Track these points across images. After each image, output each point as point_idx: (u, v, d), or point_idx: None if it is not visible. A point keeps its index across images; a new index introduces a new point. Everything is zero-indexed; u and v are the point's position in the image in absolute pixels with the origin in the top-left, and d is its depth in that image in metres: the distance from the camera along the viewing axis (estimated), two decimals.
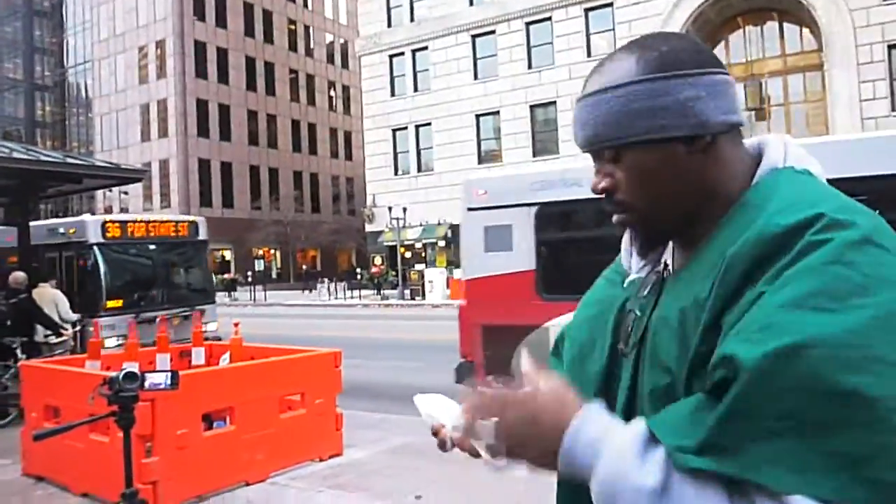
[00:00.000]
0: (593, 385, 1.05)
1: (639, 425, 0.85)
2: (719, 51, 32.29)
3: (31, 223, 10.20)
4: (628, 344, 1.02)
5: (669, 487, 0.79)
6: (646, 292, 1.04)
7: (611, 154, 0.98)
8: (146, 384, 2.53)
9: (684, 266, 0.98)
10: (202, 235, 12.26)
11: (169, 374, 2.58)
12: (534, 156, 34.25)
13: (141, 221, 11.67)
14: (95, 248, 10.76)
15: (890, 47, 25.33)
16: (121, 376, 2.47)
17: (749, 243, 0.85)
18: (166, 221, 12.06)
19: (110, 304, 10.64)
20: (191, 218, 12.67)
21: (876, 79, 25.47)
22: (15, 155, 9.07)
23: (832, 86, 26.50)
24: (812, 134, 25.52)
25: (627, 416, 0.95)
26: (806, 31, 29.17)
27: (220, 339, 9.61)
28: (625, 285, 1.11)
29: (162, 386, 2.54)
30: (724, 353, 0.79)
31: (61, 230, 11.29)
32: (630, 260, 1.11)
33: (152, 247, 11.63)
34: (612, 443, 0.84)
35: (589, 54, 32.63)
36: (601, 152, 1.00)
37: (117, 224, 11.24)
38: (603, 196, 1.01)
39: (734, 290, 0.84)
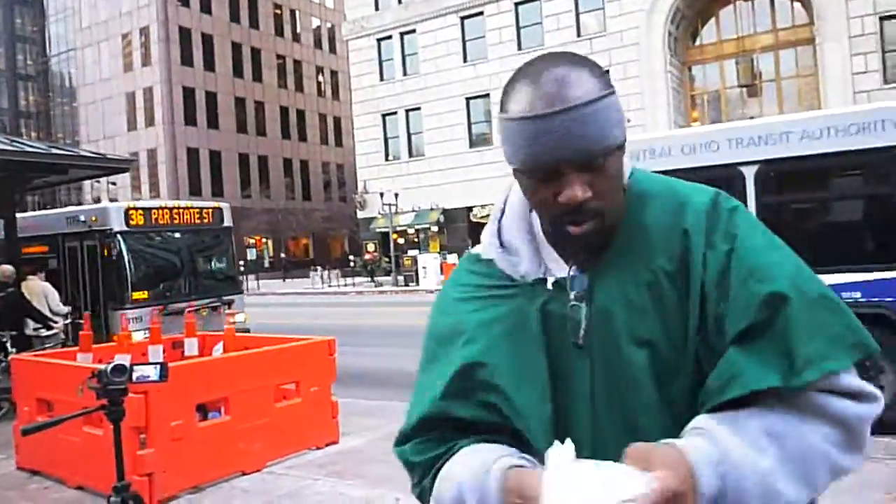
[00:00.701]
0: (545, 393, 1.08)
1: (722, 428, 0.95)
2: (710, 27, 32.17)
3: (50, 211, 10.01)
4: (579, 336, 1.08)
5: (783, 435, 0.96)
6: (581, 287, 1.09)
7: (599, 163, 1.03)
8: (135, 376, 2.46)
9: (606, 257, 1.09)
10: (227, 222, 11.85)
11: (158, 366, 2.51)
12: None
13: (165, 208, 11.22)
14: (119, 236, 10.29)
15: (882, 19, 25.24)
16: (109, 369, 2.40)
17: (697, 216, 1.07)
18: (191, 208, 11.59)
19: (136, 295, 10.20)
20: (215, 204, 12.20)
21: (868, 52, 25.40)
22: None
23: (824, 60, 26.43)
24: (804, 109, 25.47)
25: (595, 402, 1.06)
26: (798, 4, 29.04)
27: (248, 331, 9.40)
28: (536, 288, 1.12)
29: (151, 378, 2.47)
30: (772, 292, 1.00)
31: (82, 218, 10.82)
32: (525, 267, 1.13)
33: (177, 235, 11.20)
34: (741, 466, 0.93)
35: (579, 34, 32.44)
36: (588, 163, 1.02)
37: (141, 211, 10.77)
38: (568, 208, 1.03)
39: (702, 254, 1.05)
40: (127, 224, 10.40)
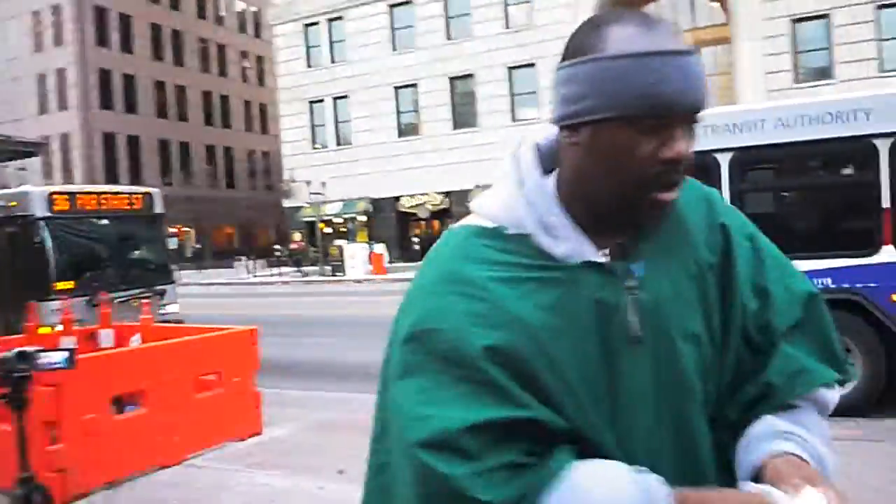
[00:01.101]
0: (603, 390, 0.95)
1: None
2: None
3: None
4: (636, 329, 0.97)
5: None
6: (638, 274, 0.99)
7: (698, 120, 0.95)
8: (40, 363, 2.34)
9: (652, 244, 1.01)
10: (158, 208, 11.29)
11: (66, 353, 2.40)
12: (454, 128, 34.24)
13: (91, 193, 10.61)
14: (41, 222, 9.65)
15: (794, 21, 26.42)
16: (13, 355, 2.28)
17: (727, 212, 1.10)
18: (119, 193, 11.01)
19: (60, 285, 9.58)
20: (145, 189, 11.58)
21: (780, 52, 26.55)
22: None
23: (739, 58, 27.49)
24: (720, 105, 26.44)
25: (654, 400, 0.98)
26: (716, 4, 30.10)
27: (182, 322, 8.99)
28: (581, 272, 0.97)
29: (58, 365, 2.36)
30: (809, 290, 1.07)
31: (0, 203, 10.14)
32: (567, 247, 0.97)
33: (105, 221, 10.59)
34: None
35: (507, 25, 32.71)
36: (695, 117, 0.94)
37: (65, 196, 10.13)
38: (671, 167, 0.93)
39: (741, 249, 1.07)
40: (50, 209, 9.78)
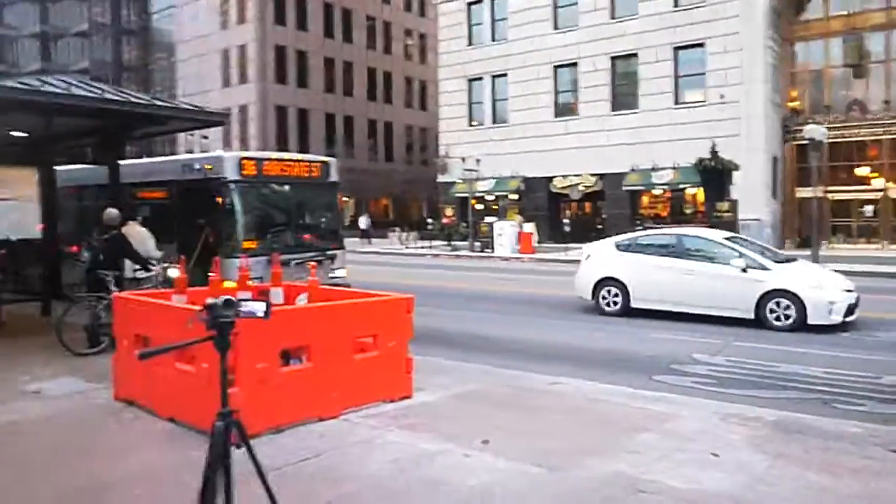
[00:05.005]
0: None
1: None
2: (816, 1, 30.45)
3: (166, 158, 10.36)
4: None
5: None
6: None
7: None
8: (242, 310, 2.64)
9: None
10: (334, 177, 11.79)
11: (264, 304, 2.70)
12: (612, 109, 33.37)
13: (276, 160, 11.24)
14: (232, 185, 10.36)
15: None
16: (220, 302, 2.60)
17: None
18: (300, 161, 11.56)
19: (245, 244, 10.23)
20: (323, 158, 12.16)
21: None
22: (107, 96, 9.42)
23: None
24: None
25: None
26: None
27: (349, 286, 9.43)
28: None
29: (257, 314, 2.66)
30: None
31: (196, 166, 10.96)
32: None
33: (287, 187, 11.16)
34: None
35: (676, 4, 31.28)
36: None
37: (253, 161, 10.77)
38: None
39: None
40: (240, 174, 10.45)
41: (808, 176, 22.10)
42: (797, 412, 6.22)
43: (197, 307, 2.80)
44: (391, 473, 4.67)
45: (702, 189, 26.29)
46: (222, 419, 2.77)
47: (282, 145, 48.88)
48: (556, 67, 34.96)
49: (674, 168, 30.55)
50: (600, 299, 12.84)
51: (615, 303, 12.64)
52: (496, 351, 9.42)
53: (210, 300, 2.56)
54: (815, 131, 20.47)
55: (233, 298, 2.56)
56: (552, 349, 9.70)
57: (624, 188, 32.38)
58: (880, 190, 29.61)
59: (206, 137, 48.62)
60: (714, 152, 24.31)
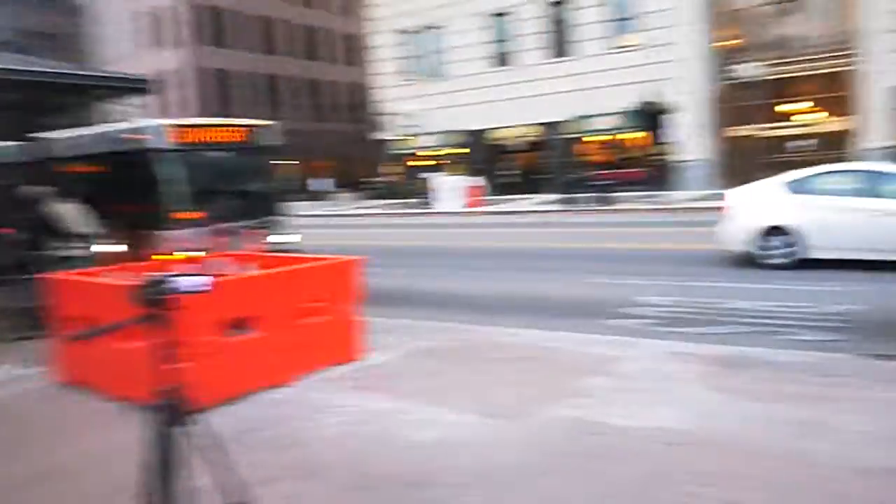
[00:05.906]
0: None
1: None
2: None
3: (84, 130, 9.81)
4: None
5: None
6: None
7: None
8: (182, 285, 2.59)
9: None
10: (271, 140, 11.38)
11: (205, 276, 2.66)
12: (550, 57, 33.29)
13: (204, 126, 10.73)
14: (160, 154, 9.89)
15: None
16: (159, 278, 2.54)
17: None
18: (230, 126, 11.04)
19: (180, 215, 9.80)
20: (256, 122, 11.56)
21: None
22: (11, 66, 8.89)
23: None
24: (840, 27, 24.36)
25: None
26: None
27: (300, 252, 9.00)
28: None
29: (199, 287, 2.62)
30: None
31: (121, 136, 10.34)
32: None
33: (218, 153, 10.70)
34: None
35: None
36: None
37: (180, 128, 10.26)
38: None
39: None
40: (166, 141, 10.01)
41: (745, 114, 22.54)
42: None
43: (134, 283, 2.70)
44: (346, 434, 4.67)
45: (643, 133, 26.61)
46: (164, 395, 2.70)
47: (226, 111, 47.63)
48: (491, 16, 34.60)
49: (613, 114, 30.79)
50: (764, 251, 11.03)
51: (790, 254, 10.83)
52: (448, 305, 9.47)
53: (148, 276, 2.48)
54: (748, 69, 20.83)
55: (171, 274, 2.48)
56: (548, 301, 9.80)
57: (565, 136, 32.55)
58: (817, 124, 30.34)
59: (137, 107, 46.82)
60: (651, 95, 24.57)
